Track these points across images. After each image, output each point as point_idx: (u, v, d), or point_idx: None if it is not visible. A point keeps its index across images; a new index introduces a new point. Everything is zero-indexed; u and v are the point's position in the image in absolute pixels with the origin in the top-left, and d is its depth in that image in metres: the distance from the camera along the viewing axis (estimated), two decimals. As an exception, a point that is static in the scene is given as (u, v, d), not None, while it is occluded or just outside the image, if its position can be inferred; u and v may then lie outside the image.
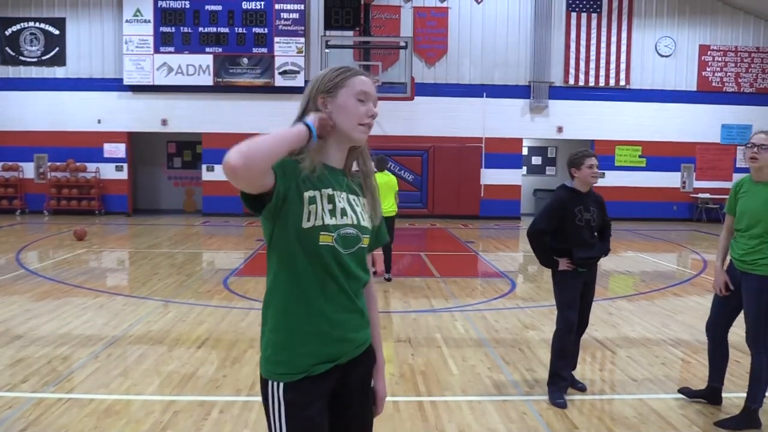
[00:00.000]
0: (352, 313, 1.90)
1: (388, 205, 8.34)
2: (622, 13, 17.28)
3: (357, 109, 1.86)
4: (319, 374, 1.84)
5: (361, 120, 1.87)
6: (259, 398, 2.02)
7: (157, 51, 16.57)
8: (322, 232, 1.80)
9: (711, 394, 4.30)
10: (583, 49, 17.29)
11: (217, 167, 16.62)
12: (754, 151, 3.86)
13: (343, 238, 1.84)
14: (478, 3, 17.20)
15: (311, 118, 1.81)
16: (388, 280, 8.66)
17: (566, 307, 4.37)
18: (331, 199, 1.84)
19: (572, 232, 4.30)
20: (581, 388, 4.59)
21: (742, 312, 4.01)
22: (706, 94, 17.60)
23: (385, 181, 8.41)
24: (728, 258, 4.18)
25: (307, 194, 1.79)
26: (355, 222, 1.89)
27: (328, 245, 1.81)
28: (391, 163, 16.93)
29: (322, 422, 1.85)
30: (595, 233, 4.48)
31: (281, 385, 1.81)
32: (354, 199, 1.93)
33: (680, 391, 4.45)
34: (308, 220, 1.79)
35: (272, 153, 1.65)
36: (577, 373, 4.75)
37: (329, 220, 1.81)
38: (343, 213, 1.86)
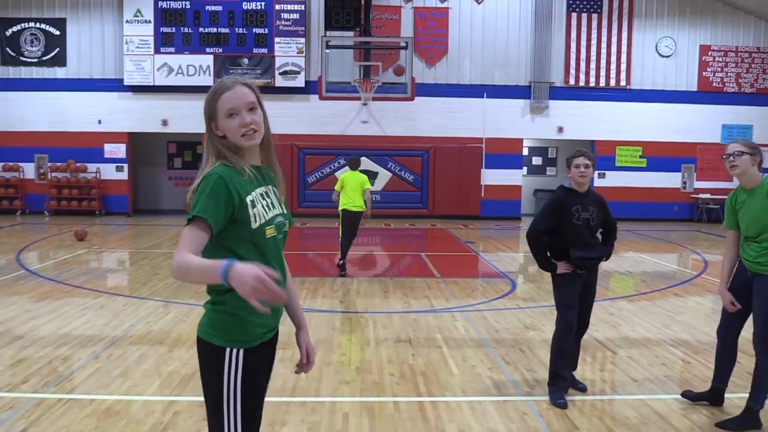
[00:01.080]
0: (283, 288, 2.12)
1: (356, 200, 8.77)
2: (623, 14, 17.27)
3: (231, 127, 2.09)
4: (268, 340, 2.19)
5: (239, 132, 2.08)
6: None
7: (157, 51, 16.56)
8: (266, 227, 2.10)
9: (713, 396, 4.29)
10: (583, 50, 17.29)
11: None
12: (731, 160, 3.93)
13: (278, 226, 2.16)
14: (479, 3, 17.19)
15: (235, 271, 1.76)
16: (341, 267, 8.85)
17: (565, 308, 4.37)
18: (263, 196, 2.13)
19: (570, 231, 4.29)
20: (582, 389, 4.59)
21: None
22: (706, 94, 17.58)
23: (356, 179, 8.84)
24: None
25: (248, 199, 2.05)
26: (281, 211, 2.20)
27: (272, 236, 2.13)
28: (391, 163, 17.05)
29: (265, 383, 2.22)
30: (597, 234, 4.48)
31: (241, 351, 2.07)
32: (274, 190, 2.22)
33: (683, 395, 4.42)
34: (255, 221, 2.06)
35: (195, 281, 1.98)
36: (578, 374, 4.74)
37: (269, 214, 2.11)
38: (272, 205, 2.16)
